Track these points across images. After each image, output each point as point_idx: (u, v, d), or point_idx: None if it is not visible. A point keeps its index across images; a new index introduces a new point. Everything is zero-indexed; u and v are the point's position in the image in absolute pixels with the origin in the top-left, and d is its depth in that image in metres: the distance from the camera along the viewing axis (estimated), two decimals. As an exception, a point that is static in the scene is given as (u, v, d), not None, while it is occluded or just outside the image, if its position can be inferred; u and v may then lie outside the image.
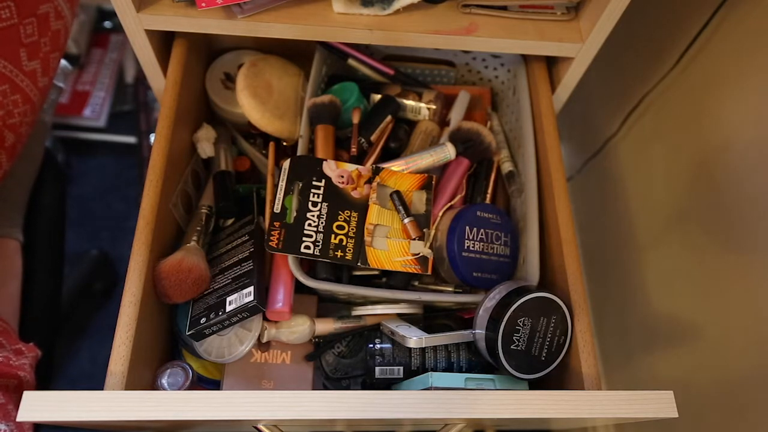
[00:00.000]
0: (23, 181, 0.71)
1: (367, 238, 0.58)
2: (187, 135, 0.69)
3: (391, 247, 0.59)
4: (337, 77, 0.73)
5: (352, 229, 0.58)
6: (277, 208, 0.58)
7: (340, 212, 0.59)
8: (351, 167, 0.61)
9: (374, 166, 0.63)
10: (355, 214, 0.59)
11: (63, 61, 0.67)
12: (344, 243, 0.58)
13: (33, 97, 0.62)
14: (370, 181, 0.61)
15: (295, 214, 0.58)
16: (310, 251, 0.56)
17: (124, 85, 1.30)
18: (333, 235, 0.58)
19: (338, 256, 0.57)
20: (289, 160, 0.60)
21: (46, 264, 0.73)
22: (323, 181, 0.60)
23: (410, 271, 0.59)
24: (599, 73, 0.96)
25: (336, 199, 0.59)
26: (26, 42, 0.57)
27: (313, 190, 0.59)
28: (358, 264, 0.58)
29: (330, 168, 0.60)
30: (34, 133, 0.71)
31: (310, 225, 0.57)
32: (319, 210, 0.58)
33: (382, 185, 0.61)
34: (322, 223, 0.58)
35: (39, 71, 0.61)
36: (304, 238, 0.57)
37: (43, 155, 0.75)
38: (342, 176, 0.60)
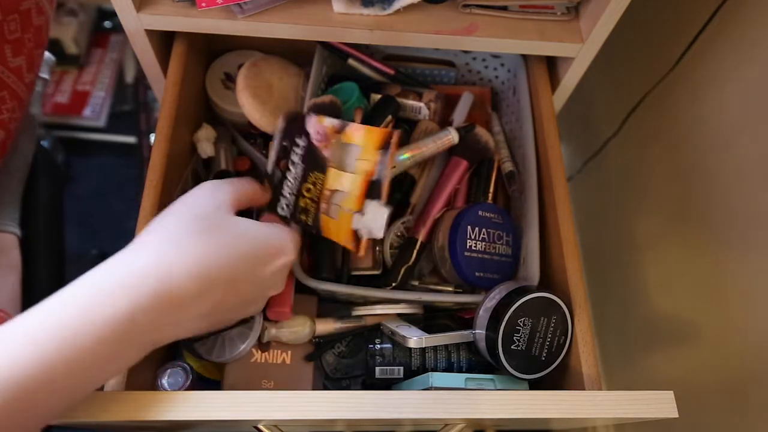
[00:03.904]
0: (16, 175, 0.71)
1: (323, 205, 0.53)
2: (187, 135, 0.69)
3: (342, 218, 0.52)
4: (338, 77, 0.73)
5: (317, 193, 0.54)
6: (270, 169, 0.55)
7: (310, 174, 0.54)
8: (329, 122, 0.54)
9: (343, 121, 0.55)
10: (321, 176, 0.53)
11: (46, 53, 0.67)
12: (308, 207, 0.54)
13: (20, 93, 0.62)
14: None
15: (280, 174, 0.55)
16: (285, 213, 0.54)
17: (124, 85, 1.30)
18: (301, 198, 0.54)
19: (302, 220, 0.54)
20: (284, 117, 0.56)
21: (46, 257, 0.73)
22: (303, 138, 0.55)
23: (348, 247, 0.52)
24: (599, 73, 0.96)
25: (311, 159, 0.54)
26: (10, 38, 0.57)
27: (294, 149, 0.55)
28: (314, 231, 0.54)
29: (311, 125, 0.55)
30: (23, 127, 0.71)
31: (287, 185, 0.54)
32: (296, 171, 0.54)
33: (341, 143, 0.53)
34: (296, 184, 0.54)
35: (24, 67, 0.61)
36: (281, 198, 0.54)
37: (34, 148, 0.75)
38: (318, 133, 0.54)
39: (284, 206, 0.54)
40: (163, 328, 0.38)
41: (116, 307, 0.36)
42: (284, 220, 0.55)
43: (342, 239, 0.52)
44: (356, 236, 0.52)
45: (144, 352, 0.39)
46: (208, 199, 0.44)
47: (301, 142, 0.54)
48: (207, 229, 0.41)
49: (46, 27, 0.63)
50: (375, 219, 0.51)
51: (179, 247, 0.39)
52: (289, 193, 0.54)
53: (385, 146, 0.51)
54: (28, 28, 0.59)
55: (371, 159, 0.51)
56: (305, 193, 0.54)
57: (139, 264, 0.38)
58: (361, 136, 0.52)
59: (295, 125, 0.55)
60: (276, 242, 0.46)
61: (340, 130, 0.53)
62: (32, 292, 0.69)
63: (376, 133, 0.51)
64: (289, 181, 0.54)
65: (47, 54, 0.68)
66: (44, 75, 0.72)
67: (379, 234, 0.51)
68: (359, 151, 0.52)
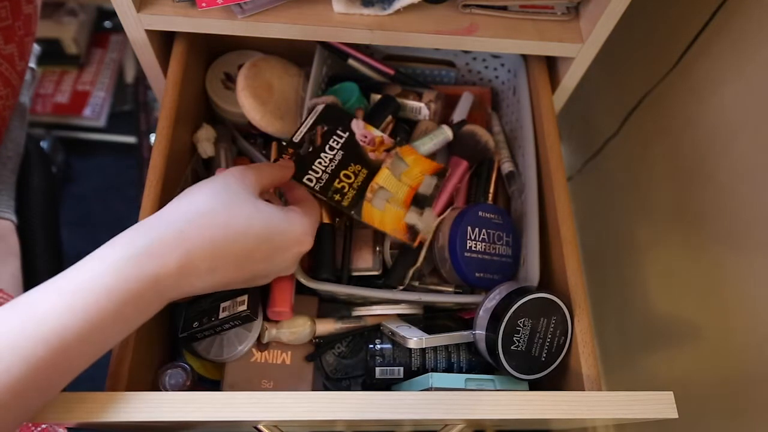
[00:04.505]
0: (8, 164, 0.71)
1: (368, 194, 0.60)
2: (187, 135, 0.69)
3: (388, 211, 0.60)
4: (338, 77, 0.73)
5: (357, 182, 0.60)
6: (297, 139, 0.60)
7: (352, 164, 0.60)
8: (377, 133, 0.63)
9: (398, 138, 0.65)
10: (365, 171, 0.60)
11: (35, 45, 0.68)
12: (345, 190, 0.59)
13: (13, 80, 0.62)
14: (389, 150, 0.63)
15: (311, 149, 0.59)
16: (312, 184, 0.58)
17: (124, 85, 1.30)
18: (338, 180, 0.59)
19: (335, 199, 0.58)
20: (323, 104, 0.62)
21: (43, 245, 0.73)
22: (347, 133, 0.61)
23: (398, 237, 0.60)
24: (599, 73, 0.96)
25: (352, 152, 0.61)
26: (1, 26, 0.58)
27: (334, 137, 0.61)
28: (352, 213, 0.59)
29: (357, 126, 0.62)
30: (14, 116, 0.71)
31: (320, 163, 0.59)
32: (334, 155, 0.60)
33: (399, 157, 0.63)
34: (332, 166, 0.59)
35: (16, 55, 0.62)
36: (310, 172, 0.58)
37: (25, 137, 0.76)
38: (365, 136, 0.62)
39: (313, 179, 0.58)
40: (180, 289, 0.42)
41: (145, 269, 0.40)
42: (310, 189, 0.58)
43: (387, 228, 0.60)
44: (412, 230, 0.61)
45: (161, 307, 0.43)
46: (237, 183, 0.47)
47: (343, 134, 0.61)
48: (231, 212, 0.45)
49: (35, 16, 0.64)
50: (429, 222, 0.62)
51: (205, 225, 0.43)
52: (322, 171, 0.59)
53: (434, 174, 0.63)
54: (18, 16, 0.60)
55: (416, 178, 0.62)
56: (343, 178, 0.59)
57: (169, 234, 0.42)
58: (411, 159, 0.63)
59: (335, 116, 0.62)
60: (295, 233, 0.48)
61: (389, 143, 0.63)
62: (32, 280, 0.69)
63: (425, 163, 0.64)
64: (323, 161, 0.59)
65: (35, 45, 0.69)
66: (32, 65, 0.73)
67: (430, 234, 0.62)
68: (405, 168, 0.62)
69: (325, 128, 0.61)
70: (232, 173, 0.48)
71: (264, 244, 0.46)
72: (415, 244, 0.61)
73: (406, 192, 0.61)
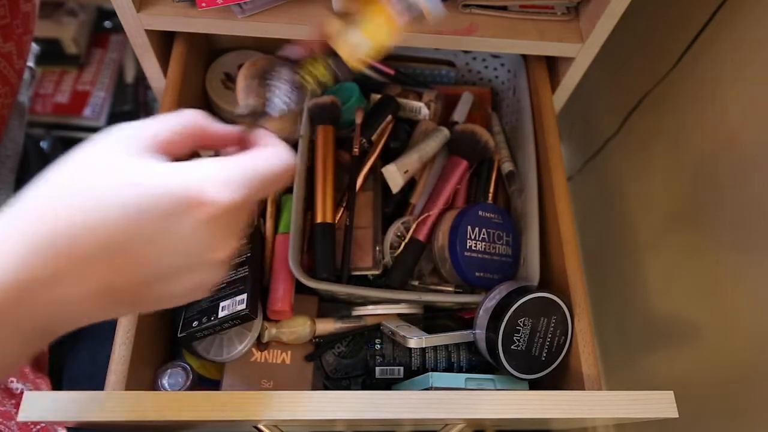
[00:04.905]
0: (7, 163, 0.72)
1: (338, 49, 0.46)
2: (187, 135, 0.69)
3: (369, 31, 0.46)
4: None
5: (322, 62, 0.47)
6: (241, 110, 0.47)
7: (302, 64, 0.47)
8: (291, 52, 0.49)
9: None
10: (321, 54, 0.47)
11: (33, 44, 0.68)
12: (315, 73, 0.47)
13: (11, 79, 0.62)
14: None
15: (263, 108, 0.47)
16: (290, 106, 0.46)
17: (124, 85, 1.30)
18: (303, 84, 0.47)
19: (314, 85, 0.47)
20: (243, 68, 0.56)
21: None
22: (284, 65, 0.49)
23: (401, 33, 0.47)
24: (599, 73, 0.96)
25: (295, 64, 0.48)
26: (0, 24, 0.58)
27: (269, 80, 0.48)
28: (338, 76, 0.48)
29: (290, 51, 0.48)
30: (13, 115, 0.71)
31: (275, 99, 0.47)
32: (280, 83, 0.48)
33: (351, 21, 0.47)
34: (288, 87, 0.47)
35: (14, 53, 0.62)
36: (269, 107, 0.46)
37: (24, 136, 0.76)
38: (301, 53, 0.48)
39: (278, 108, 0.46)
40: (39, 307, 0.30)
41: None
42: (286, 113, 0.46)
43: (383, 38, 0.47)
44: (410, 15, 0.47)
45: (29, 338, 0.31)
46: (97, 145, 0.33)
47: (278, 68, 0.48)
48: (83, 185, 0.32)
49: (33, 14, 0.64)
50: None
51: (45, 214, 0.31)
52: (284, 97, 0.47)
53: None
54: (17, 14, 0.60)
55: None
56: (306, 75, 0.47)
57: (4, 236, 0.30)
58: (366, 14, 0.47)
59: (259, 80, 0.49)
60: (188, 189, 0.31)
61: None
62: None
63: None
64: (277, 96, 0.47)
65: (33, 44, 0.69)
66: (30, 64, 0.73)
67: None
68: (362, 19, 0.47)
69: (260, 86, 0.48)
70: (116, 130, 0.34)
71: (136, 220, 0.30)
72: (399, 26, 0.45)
73: (379, 8, 0.46)
